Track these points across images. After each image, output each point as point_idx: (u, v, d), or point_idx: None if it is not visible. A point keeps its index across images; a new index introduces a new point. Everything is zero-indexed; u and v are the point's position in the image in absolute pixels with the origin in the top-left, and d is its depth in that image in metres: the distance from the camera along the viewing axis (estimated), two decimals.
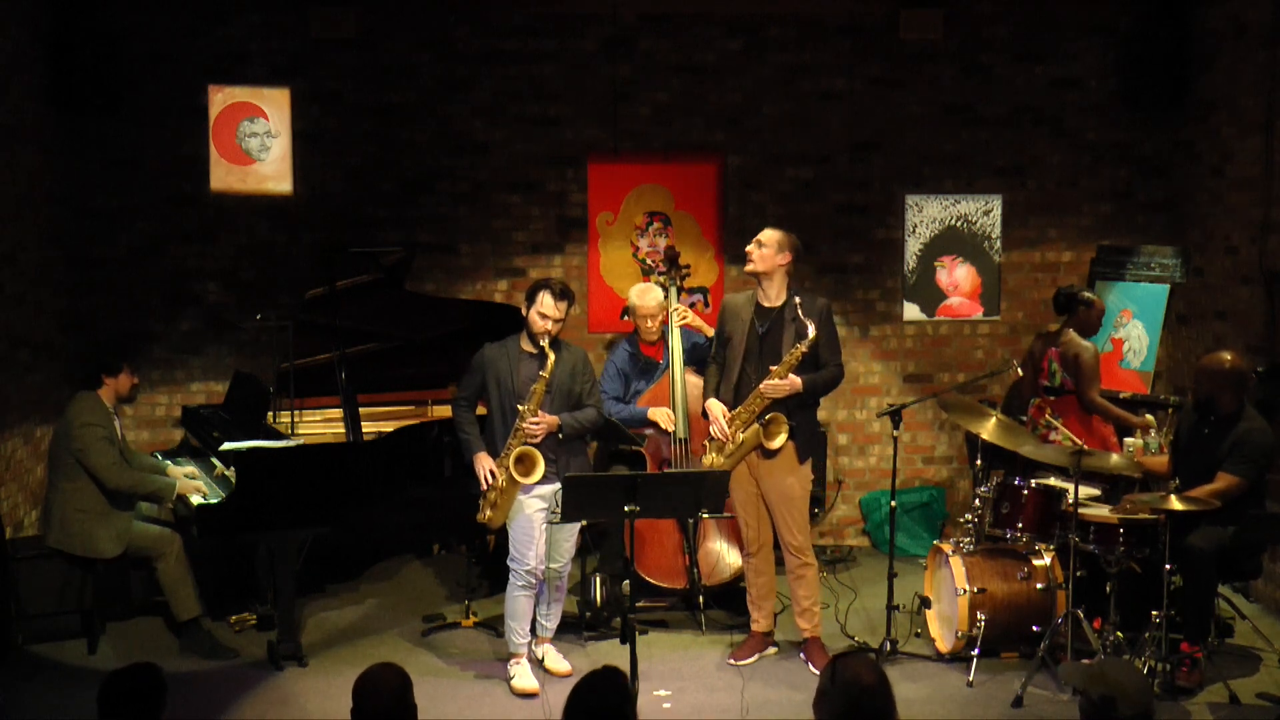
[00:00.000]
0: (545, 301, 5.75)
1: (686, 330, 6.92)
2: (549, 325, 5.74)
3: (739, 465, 6.03)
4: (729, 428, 5.96)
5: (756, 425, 5.92)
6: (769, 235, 5.99)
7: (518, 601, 5.88)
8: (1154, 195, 8.15)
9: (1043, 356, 7.16)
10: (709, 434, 6.08)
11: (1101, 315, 7.16)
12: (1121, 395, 7.45)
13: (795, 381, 5.86)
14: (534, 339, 5.81)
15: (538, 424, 5.74)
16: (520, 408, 5.74)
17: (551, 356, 5.72)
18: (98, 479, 6.17)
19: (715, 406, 6.05)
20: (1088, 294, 7.12)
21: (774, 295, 6.00)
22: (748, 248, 6.02)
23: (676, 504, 5.46)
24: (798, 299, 5.91)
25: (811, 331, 5.80)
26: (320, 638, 6.49)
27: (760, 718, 5.59)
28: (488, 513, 5.86)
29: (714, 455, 6.05)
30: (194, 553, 6.39)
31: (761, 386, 5.88)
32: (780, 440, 5.92)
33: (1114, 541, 5.87)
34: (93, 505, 6.20)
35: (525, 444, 5.73)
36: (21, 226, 7.02)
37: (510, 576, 5.89)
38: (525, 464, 5.71)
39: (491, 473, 5.81)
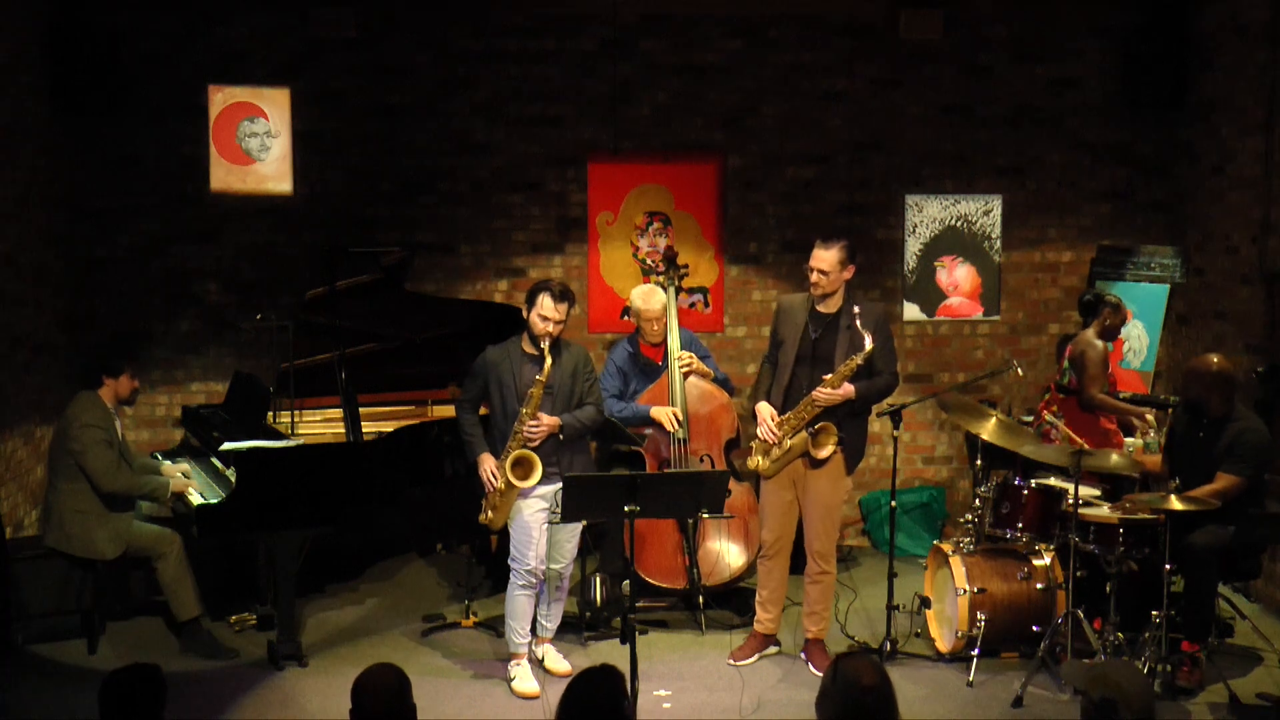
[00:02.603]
0: (545, 303, 5.74)
1: (684, 336, 6.91)
2: (550, 327, 5.73)
3: (781, 470, 6.01)
4: (778, 431, 5.95)
5: (805, 433, 5.89)
6: (828, 260, 5.84)
7: (518, 601, 5.88)
8: (1154, 195, 8.15)
9: (1061, 354, 7.21)
10: (758, 435, 6.04)
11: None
12: (1121, 395, 7.45)
13: (849, 389, 5.81)
14: (535, 341, 5.80)
15: (537, 427, 5.74)
16: (521, 410, 5.75)
17: (549, 361, 5.71)
18: (93, 482, 6.16)
19: (764, 408, 6.00)
20: (1111, 297, 7.15)
21: (832, 302, 5.96)
22: (812, 278, 5.90)
23: (676, 504, 5.45)
24: (857, 308, 5.86)
25: (869, 344, 5.75)
26: (320, 638, 6.49)
27: (760, 718, 5.60)
28: (489, 514, 5.86)
29: (759, 459, 5.99)
30: (194, 553, 6.39)
31: (814, 394, 5.84)
32: (828, 450, 5.87)
33: (1114, 541, 5.87)
34: (91, 506, 6.19)
35: (523, 447, 5.73)
36: (21, 226, 7.02)
37: (511, 576, 5.89)
38: (522, 467, 5.70)
39: (493, 474, 5.82)
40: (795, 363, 5.96)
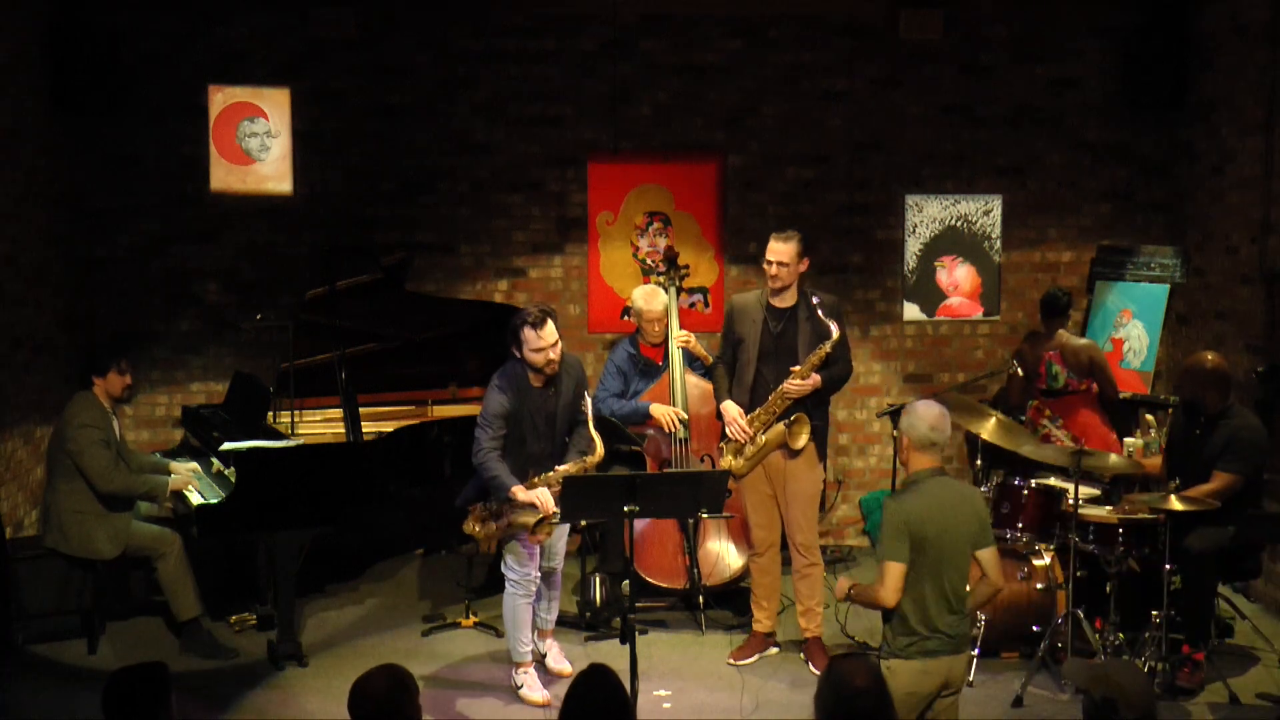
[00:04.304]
0: (529, 337, 5.48)
1: (685, 350, 6.90)
2: (549, 355, 5.52)
3: (755, 467, 6.03)
4: (749, 429, 5.96)
5: (781, 426, 5.91)
6: (785, 251, 5.90)
7: (518, 610, 5.81)
8: (1154, 195, 8.15)
9: (1037, 360, 7.15)
10: (724, 435, 6.06)
11: None
12: (1122, 395, 7.45)
13: (816, 379, 5.87)
14: (539, 372, 5.59)
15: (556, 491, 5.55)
16: (548, 474, 5.59)
17: (600, 450, 5.56)
18: (90, 482, 6.16)
19: (731, 408, 6.02)
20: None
21: (788, 296, 5.99)
22: (771, 270, 5.93)
23: (676, 504, 5.42)
24: (815, 298, 5.90)
25: (835, 331, 5.80)
26: (320, 638, 6.49)
27: (760, 718, 5.60)
28: (476, 528, 5.70)
29: (731, 458, 6.03)
30: (194, 553, 6.39)
31: (785, 386, 5.87)
32: (804, 439, 5.92)
33: (1114, 541, 5.87)
34: (90, 506, 6.19)
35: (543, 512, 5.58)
36: (21, 226, 7.02)
37: (507, 585, 5.83)
38: (542, 525, 5.59)
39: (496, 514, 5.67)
40: (758, 359, 5.99)
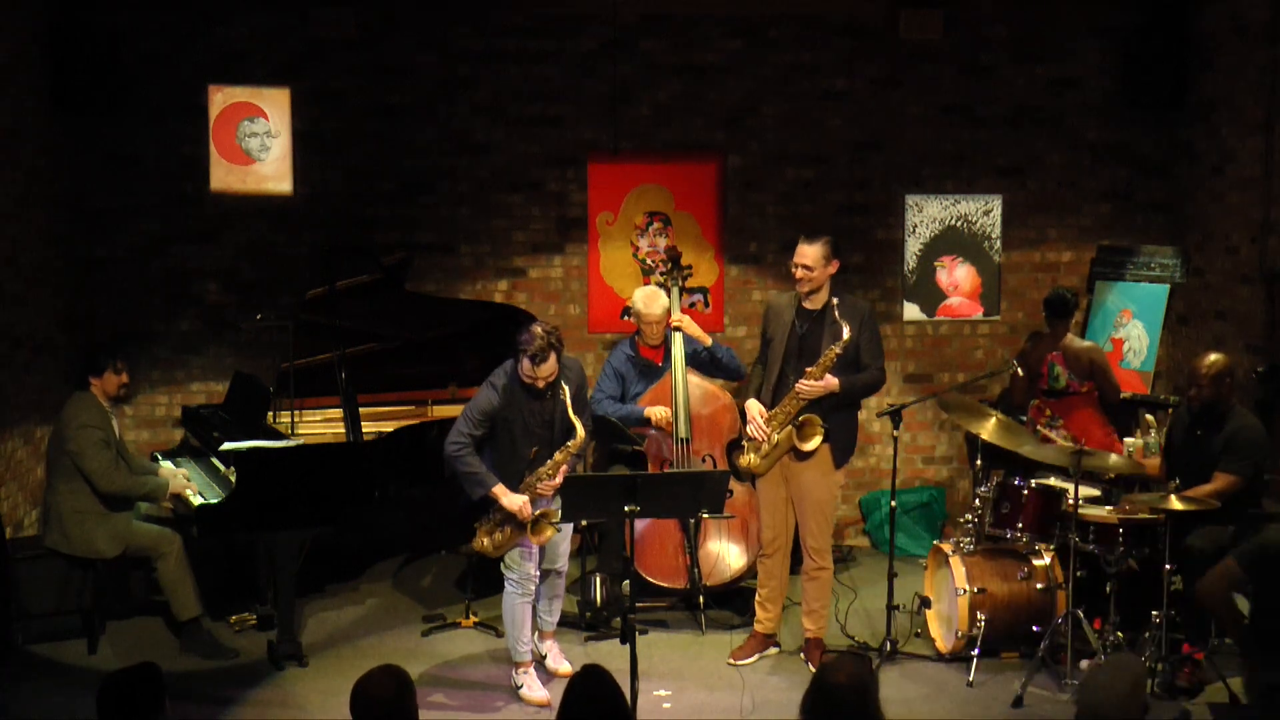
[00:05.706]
0: (525, 366, 5.51)
1: (686, 336, 6.90)
2: (537, 383, 5.56)
3: (773, 466, 6.03)
4: (766, 428, 5.96)
5: (791, 427, 5.91)
6: (811, 255, 5.87)
7: (517, 610, 5.81)
8: (1154, 195, 8.15)
9: (1039, 360, 7.14)
10: (748, 434, 6.07)
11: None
12: (1122, 395, 7.45)
13: (831, 382, 5.84)
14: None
15: (555, 484, 5.62)
16: (540, 468, 5.62)
17: (580, 432, 5.59)
18: (91, 483, 6.16)
19: (753, 406, 6.04)
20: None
21: (817, 298, 5.98)
22: (796, 272, 5.93)
23: (677, 504, 5.43)
24: (836, 300, 5.90)
25: (846, 333, 5.78)
26: (320, 638, 6.49)
27: (760, 718, 5.60)
28: (485, 542, 5.74)
29: (751, 455, 6.03)
30: (194, 553, 6.39)
31: (796, 386, 5.87)
32: (814, 443, 5.89)
33: (1114, 541, 5.87)
34: (90, 506, 6.19)
35: (542, 506, 5.63)
36: (21, 226, 7.02)
37: (506, 585, 5.83)
38: (541, 523, 5.62)
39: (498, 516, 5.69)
40: (784, 359, 6.00)
